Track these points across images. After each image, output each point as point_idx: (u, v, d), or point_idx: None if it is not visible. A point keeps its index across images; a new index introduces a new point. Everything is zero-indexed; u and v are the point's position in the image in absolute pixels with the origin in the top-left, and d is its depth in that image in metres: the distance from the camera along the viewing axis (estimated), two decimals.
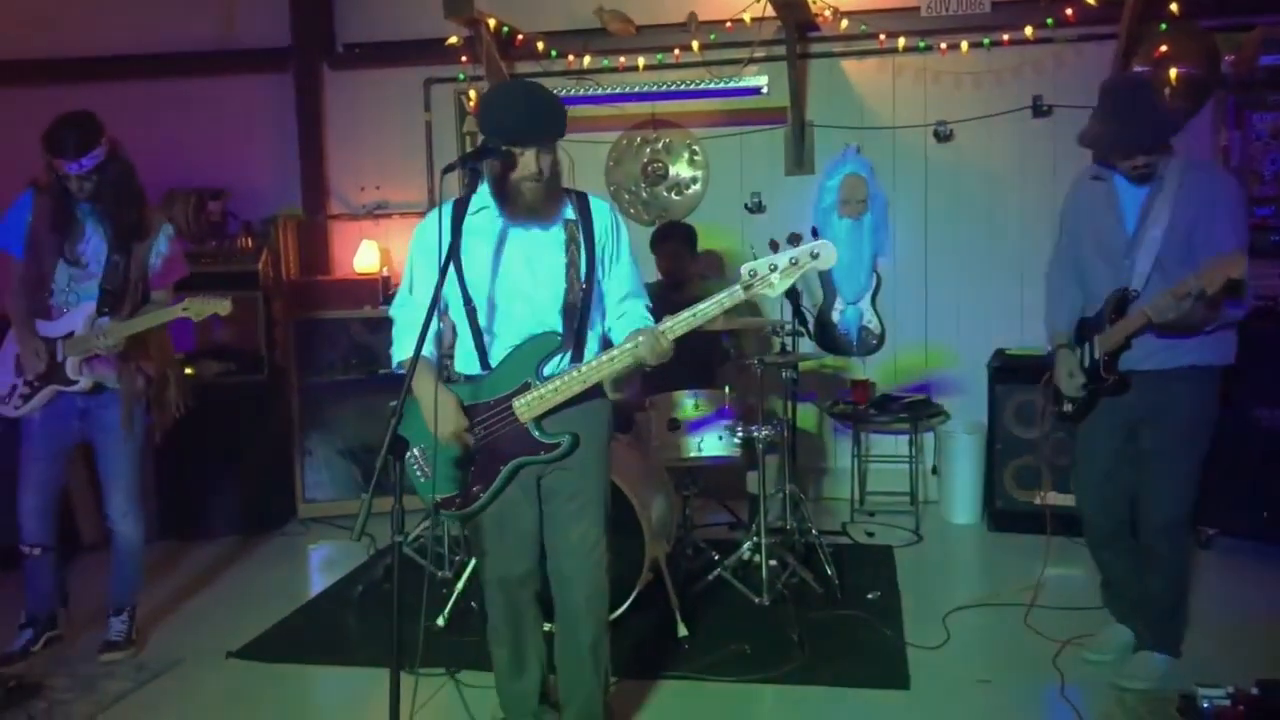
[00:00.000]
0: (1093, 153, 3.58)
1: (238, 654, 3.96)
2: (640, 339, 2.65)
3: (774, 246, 4.71)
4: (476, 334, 2.83)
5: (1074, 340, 3.53)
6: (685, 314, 2.65)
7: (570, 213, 2.81)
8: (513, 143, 2.64)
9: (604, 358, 2.72)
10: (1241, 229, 3.23)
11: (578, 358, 2.80)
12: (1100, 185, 3.44)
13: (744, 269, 2.58)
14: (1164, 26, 5.23)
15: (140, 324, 3.81)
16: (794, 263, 2.56)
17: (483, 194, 2.75)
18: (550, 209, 2.76)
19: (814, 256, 2.55)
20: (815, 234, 2.75)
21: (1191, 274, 3.03)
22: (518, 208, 2.71)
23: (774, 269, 2.56)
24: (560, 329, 2.78)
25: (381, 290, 5.97)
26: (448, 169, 2.64)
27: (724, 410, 4.33)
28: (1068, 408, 3.56)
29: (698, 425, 4.35)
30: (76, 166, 3.66)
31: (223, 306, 3.84)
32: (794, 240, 4.58)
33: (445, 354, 3.01)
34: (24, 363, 3.82)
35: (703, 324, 2.66)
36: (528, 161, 2.66)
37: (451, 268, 2.67)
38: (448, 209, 2.74)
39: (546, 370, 2.77)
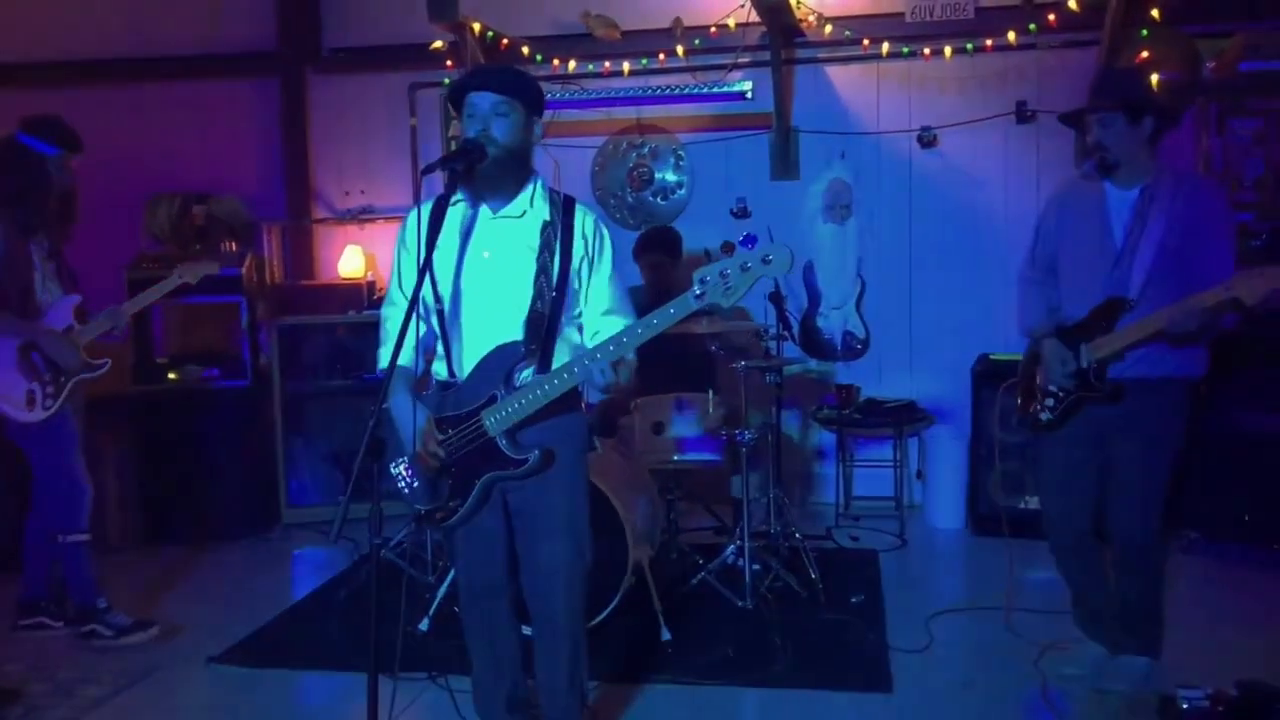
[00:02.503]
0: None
1: (218, 659, 3.93)
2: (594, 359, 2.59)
3: (727, 249, 4.74)
4: (444, 337, 2.77)
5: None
6: (633, 328, 2.60)
7: (548, 215, 2.74)
8: (462, 90, 2.66)
9: (564, 373, 2.61)
10: (1233, 246, 3.23)
11: (544, 370, 2.69)
12: (1089, 187, 3.38)
13: (695, 275, 2.47)
14: (1145, 32, 5.24)
15: (144, 300, 4.18)
16: (744, 268, 2.41)
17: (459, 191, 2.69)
18: (504, 183, 2.69)
19: (765, 262, 2.41)
20: (748, 242, 2.62)
21: (1220, 285, 2.99)
22: (472, 177, 2.65)
23: (724, 275, 2.43)
24: (523, 338, 2.69)
25: (366, 295, 5.97)
26: (426, 170, 2.61)
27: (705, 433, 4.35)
28: (1045, 416, 3.45)
29: (682, 429, 4.36)
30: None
31: (212, 267, 4.39)
32: (727, 249, 4.60)
33: (429, 359, 2.94)
34: (60, 359, 3.92)
35: (671, 329, 2.60)
36: (482, 119, 2.63)
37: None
38: (427, 208, 2.67)
39: (516, 382, 2.68)
